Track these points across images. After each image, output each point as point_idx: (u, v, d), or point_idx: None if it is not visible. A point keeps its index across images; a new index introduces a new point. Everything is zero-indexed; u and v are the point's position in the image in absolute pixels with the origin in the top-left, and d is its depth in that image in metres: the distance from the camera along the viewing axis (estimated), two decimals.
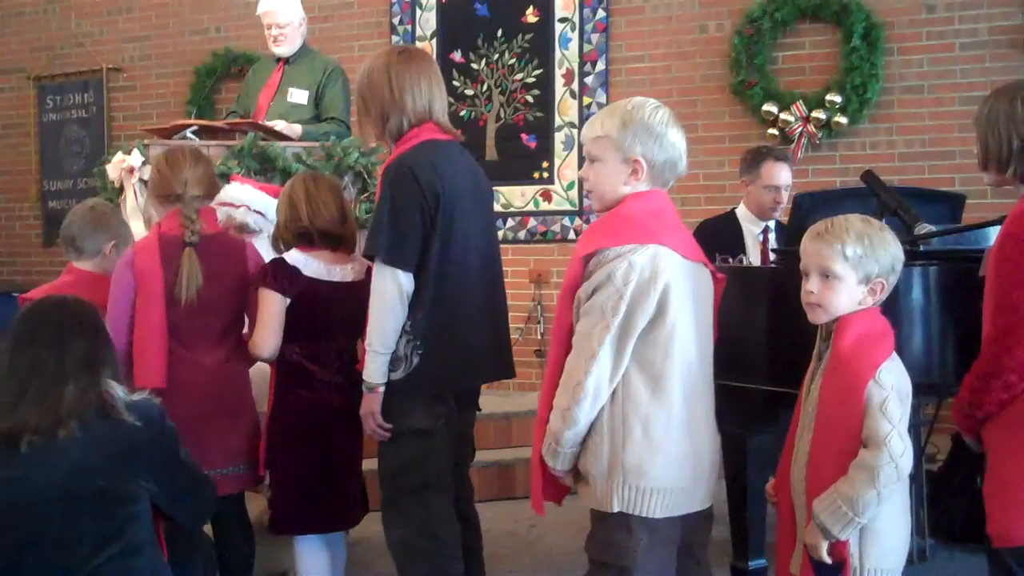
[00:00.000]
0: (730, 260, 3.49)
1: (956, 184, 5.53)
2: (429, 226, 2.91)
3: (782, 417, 3.06)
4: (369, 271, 3.13)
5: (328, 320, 3.17)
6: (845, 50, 5.95)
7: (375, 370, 2.93)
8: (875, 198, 3.21)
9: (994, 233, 2.80)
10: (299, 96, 5.01)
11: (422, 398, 2.95)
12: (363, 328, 2.98)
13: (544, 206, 6.72)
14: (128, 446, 2.35)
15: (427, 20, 7.02)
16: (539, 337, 6.42)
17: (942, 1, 5.85)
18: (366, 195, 4.35)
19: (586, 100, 6.62)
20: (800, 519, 2.41)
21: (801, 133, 6.05)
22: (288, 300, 3.12)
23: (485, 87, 6.88)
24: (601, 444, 2.37)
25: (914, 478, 3.50)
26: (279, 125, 4.64)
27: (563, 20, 6.69)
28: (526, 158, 6.75)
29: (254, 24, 6.55)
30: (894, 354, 2.36)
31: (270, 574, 3.76)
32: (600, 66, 6.61)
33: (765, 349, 3.12)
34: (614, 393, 2.36)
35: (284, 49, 5.05)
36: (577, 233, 6.52)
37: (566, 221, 6.64)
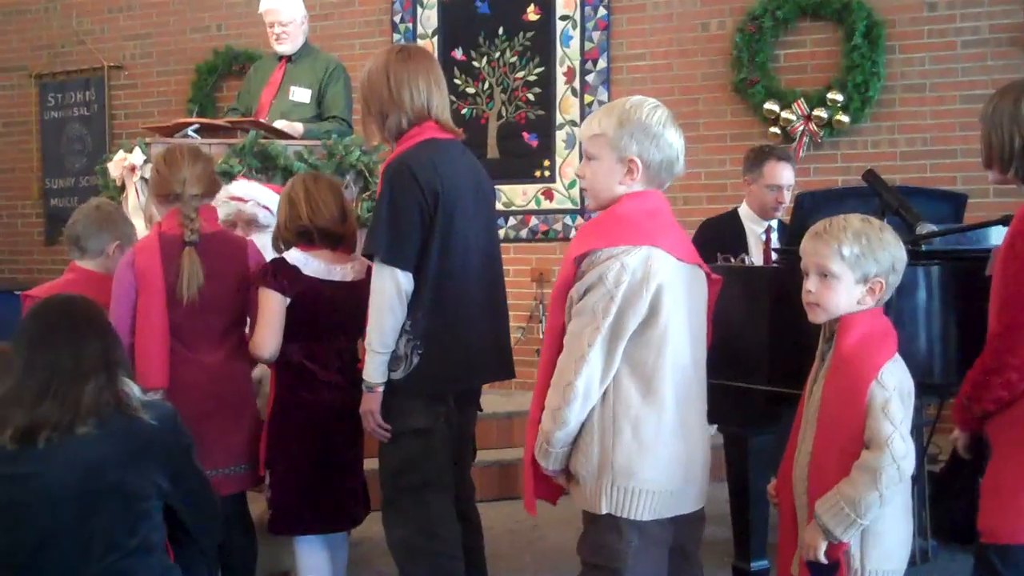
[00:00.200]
0: (731, 260, 3.48)
1: (958, 183, 5.53)
2: (428, 225, 2.91)
3: (784, 417, 3.07)
4: (370, 270, 3.13)
5: (329, 320, 3.17)
6: (846, 48, 5.95)
7: (374, 369, 2.93)
8: (877, 197, 3.20)
9: (996, 232, 2.80)
10: (301, 95, 5.00)
11: (422, 398, 2.95)
12: (364, 328, 2.98)
13: (545, 205, 6.71)
14: (143, 443, 2.37)
15: (428, 18, 7.01)
16: (541, 336, 6.40)
17: None
18: (368, 194, 4.35)
19: (587, 98, 6.61)
20: (802, 519, 2.41)
21: (803, 132, 6.04)
22: (288, 300, 3.12)
23: (486, 85, 6.87)
24: (591, 445, 2.37)
25: (916, 479, 3.49)
26: (280, 124, 4.64)
27: (564, 18, 6.68)
28: (527, 156, 6.74)
29: (255, 22, 6.55)
30: (897, 355, 2.36)
31: (272, 574, 3.77)
32: (601, 64, 6.60)
33: (767, 349, 3.12)
34: (605, 394, 2.36)
35: (286, 47, 5.05)
36: None
37: (567, 220, 6.64)
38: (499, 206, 6.61)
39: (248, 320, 3.23)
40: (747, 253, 4.25)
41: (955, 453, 4.28)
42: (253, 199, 3.88)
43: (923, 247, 3.07)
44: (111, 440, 2.32)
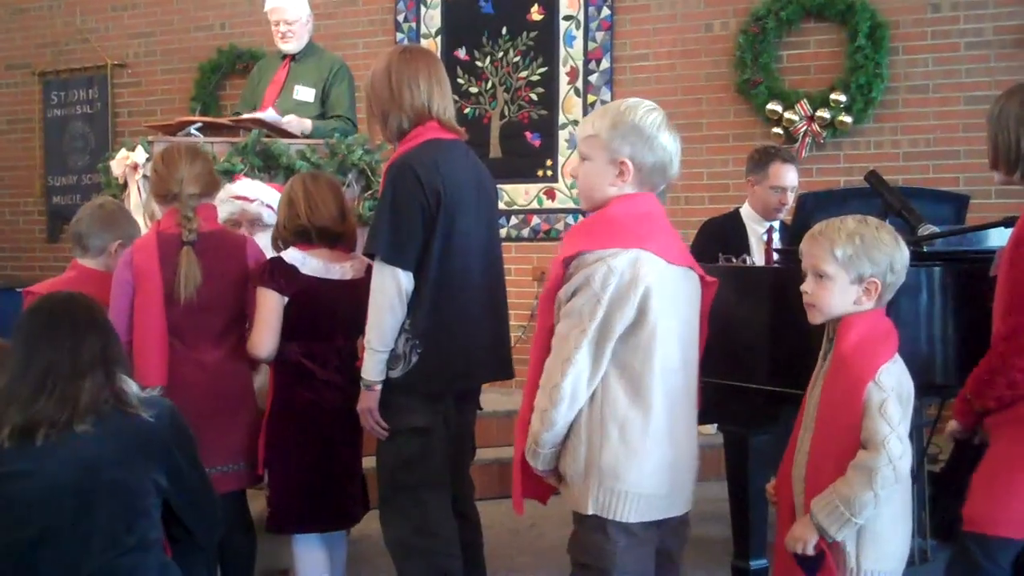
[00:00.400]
0: (733, 260, 3.48)
1: (961, 184, 5.53)
2: (430, 225, 2.92)
3: (783, 417, 3.07)
4: (369, 269, 3.13)
5: (327, 319, 3.17)
6: (850, 49, 5.95)
7: (373, 368, 2.94)
8: (879, 198, 3.20)
9: (997, 234, 2.80)
10: (305, 94, 5.00)
11: (420, 397, 2.96)
12: (363, 327, 2.98)
13: (548, 204, 6.72)
14: (142, 439, 2.37)
15: (432, 17, 7.02)
16: None
17: (947, 0, 5.84)
18: (370, 193, 4.35)
19: (590, 98, 6.61)
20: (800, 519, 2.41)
21: (805, 132, 6.04)
22: (286, 299, 3.12)
23: (489, 85, 6.87)
24: (579, 446, 2.38)
25: (916, 479, 3.49)
26: (290, 119, 4.64)
27: (568, 18, 6.68)
28: (530, 156, 6.74)
29: (259, 20, 6.56)
30: (896, 356, 2.36)
31: (271, 572, 3.77)
32: (604, 64, 6.60)
33: (767, 349, 3.12)
34: (593, 395, 2.35)
35: (292, 46, 5.05)
36: None
37: (569, 219, 6.64)
38: (501, 205, 6.61)
39: (248, 319, 3.23)
40: (749, 253, 4.25)
41: (955, 454, 4.29)
42: (258, 198, 3.88)
43: (925, 248, 3.07)
44: (109, 438, 2.32)
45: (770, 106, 6.09)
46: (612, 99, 6.47)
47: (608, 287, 2.29)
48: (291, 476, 3.16)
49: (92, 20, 8.05)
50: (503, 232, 6.50)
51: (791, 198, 4.46)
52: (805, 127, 6.04)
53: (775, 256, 4.20)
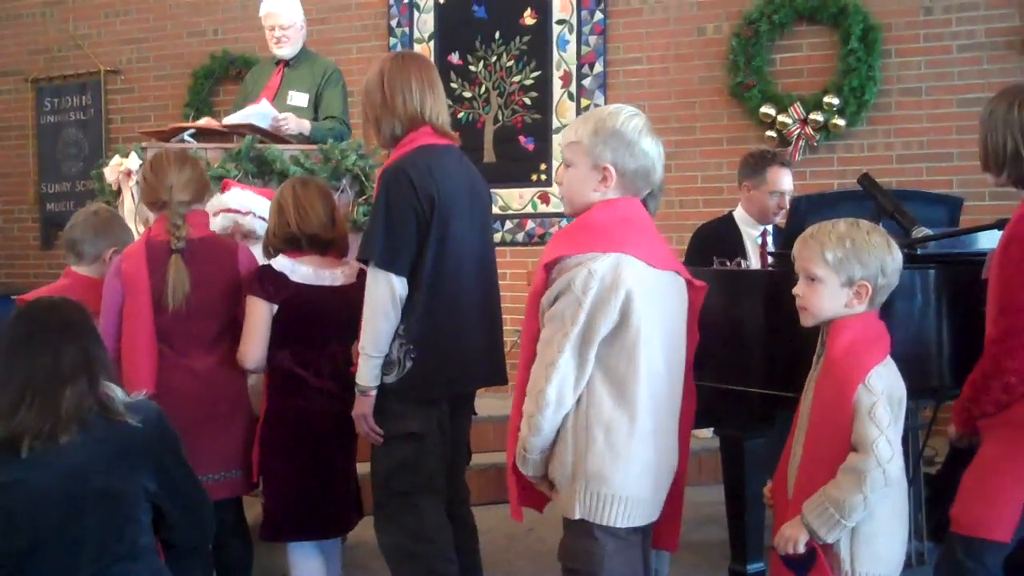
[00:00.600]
0: (727, 263, 3.49)
1: (954, 186, 5.54)
2: (424, 231, 2.92)
3: (779, 420, 3.07)
4: (360, 274, 3.14)
5: (319, 325, 3.16)
6: (843, 52, 5.96)
7: (367, 373, 2.93)
8: (872, 201, 3.21)
9: (991, 236, 2.80)
10: (299, 99, 5.01)
11: (415, 402, 2.96)
12: (356, 332, 2.98)
13: (542, 208, 6.72)
14: (128, 445, 2.34)
15: (425, 22, 7.02)
16: None
17: (939, 3, 5.86)
18: (364, 198, 4.35)
19: (584, 102, 6.61)
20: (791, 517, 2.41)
21: (799, 135, 6.06)
22: (275, 307, 3.11)
23: (483, 89, 6.88)
24: (565, 451, 2.38)
25: (912, 481, 3.49)
26: (288, 117, 4.64)
27: (561, 22, 6.69)
28: (524, 160, 6.75)
29: (252, 26, 6.56)
30: (888, 359, 2.36)
31: None
32: (598, 68, 6.60)
33: (762, 352, 3.12)
34: (579, 400, 2.36)
35: (286, 51, 5.06)
36: None
37: (564, 223, 6.63)
38: (495, 210, 6.62)
39: (240, 325, 3.22)
40: (744, 257, 4.26)
41: (951, 455, 4.29)
42: (251, 211, 3.86)
43: (919, 251, 3.08)
44: (95, 445, 2.30)
45: (763, 109, 6.10)
46: (606, 103, 6.49)
47: (589, 291, 2.30)
48: (285, 483, 3.15)
49: (85, 26, 8.04)
50: (497, 237, 6.50)
51: (788, 202, 4.46)
52: (798, 130, 6.05)
53: (769, 260, 4.21)
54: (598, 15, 6.60)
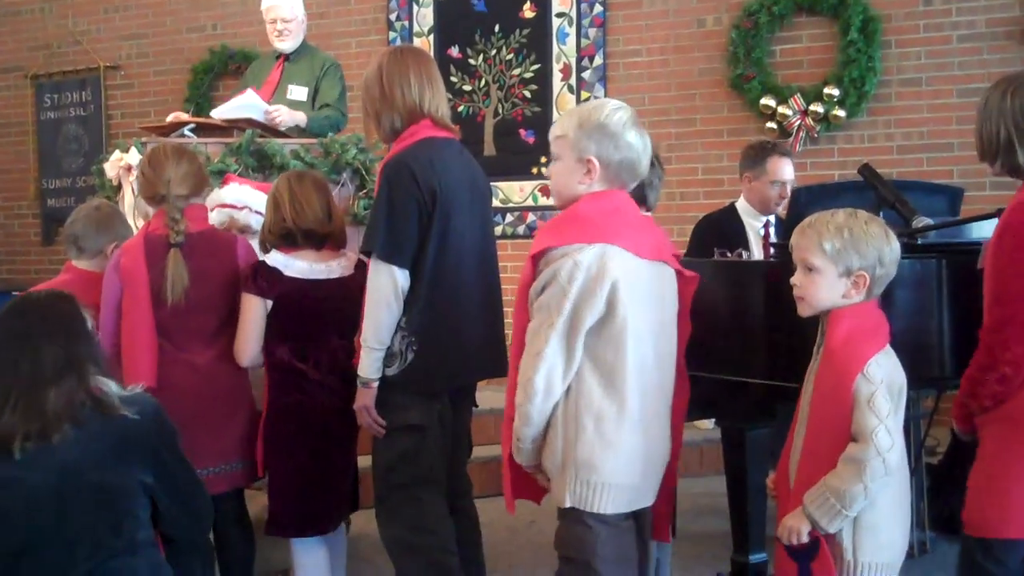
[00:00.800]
0: (728, 254, 3.49)
1: (954, 176, 5.55)
2: (426, 223, 2.92)
3: (780, 411, 3.07)
4: (358, 266, 3.14)
5: (316, 319, 3.16)
6: (842, 43, 5.96)
7: (369, 365, 2.94)
8: (873, 191, 3.21)
9: (991, 226, 2.80)
10: (299, 93, 5.01)
11: (416, 394, 2.96)
12: (356, 325, 2.98)
13: (543, 201, 6.71)
14: (124, 438, 2.32)
15: (424, 16, 7.01)
16: None
17: None
18: (364, 192, 4.35)
19: (584, 95, 6.61)
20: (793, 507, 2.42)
21: (799, 127, 6.05)
22: (269, 302, 3.11)
23: (483, 83, 6.87)
24: (556, 440, 2.41)
25: (914, 471, 3.50)
26: (280, 109, 4.63)
27: (560, 15, 6.68)
28: (524, 153, 6.75)
29: (251, 21, 6.56)
30: (887, 348, 2.36)
31: (271, 573, 3.77)
32: (598, 61, 6.60)
33: (763, 343, 3.12)
34: (569, 389, 2.39)
35: (288, 44, 5.06)
36: None
37: None
38: (496, 203, 6.63)
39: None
40: (747, 248, 4.26)
41: (953, 445, 4.29)
42: (247, 206, 3.85)
43: (919, 240, 3.08)
44: (90, 441, 2.27)
45: (764, 101, 6.10)
46: (606, 95, 6.49)
47: (575, 281, 2.33)
48: (289, 478, 3.15)
49: (84, 22, 8.04)
50: (498, 230, 6.50)
51: (790, 191, 4.46)
52: (799, 121, 6.05)
53: (771, 250, 4.21)
54: (597, 7, 6.59)
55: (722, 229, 4.46)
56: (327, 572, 3.25)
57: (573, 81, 6.65)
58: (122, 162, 4.31)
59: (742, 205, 4.60)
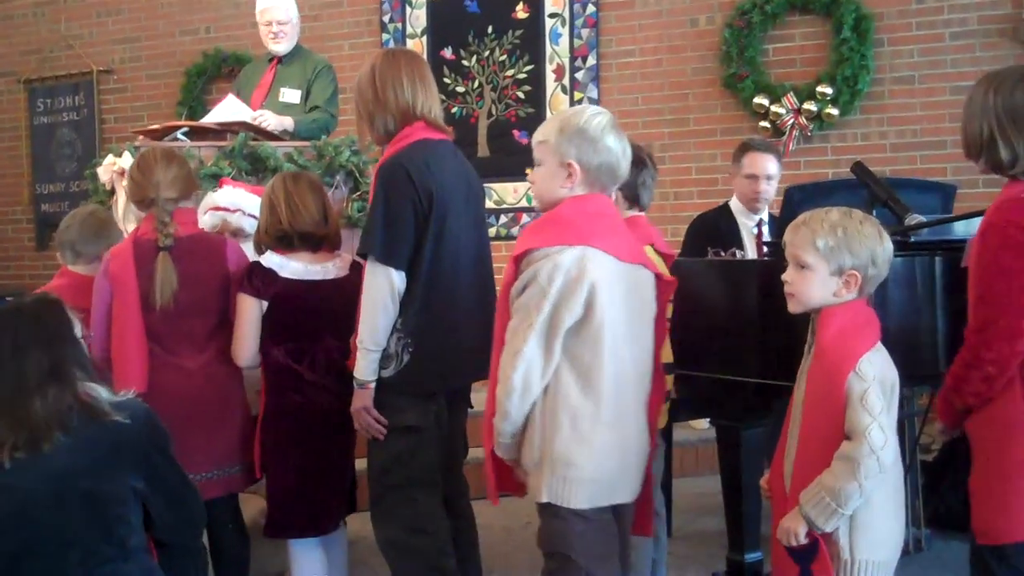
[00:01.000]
0: (722, 254, 3.49)
1: (948, 174, 5.55)
2: (422, 225, 2.93)
3: (775, 410, 3.07)
4: (353, 267, 3.14)
5: (312, 320, 3.15)
6: (835, 42, 5.97)
7: (365, 367, 2.94)
8: (865, 189, 3.21)
9: (977, 224, 2.80)
10: (291, 95, 5.02)
11: (412, 395, 2.96)
12: (351, 326, 2.98)
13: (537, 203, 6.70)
14: (115, 443, 2.30)
15: (417, 17, 7.02)
16: None
17: None
18: (358, 194, 4.35)
19: (577, 95, 6.62)
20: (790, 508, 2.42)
21: (792, 125, 6.06)
22: (265, 303, 3.11)
23: (476, 84, 6.87)
24: (534, 436, 2.46)
25: (909, 468, 3.51)
26: (271, 120, 4.63)
27: (553, 15, 6.68)
28: (518, 154, 6.74)
29: (244, 24, 6.56)
30: (879, 345, 2.36)
31: (267, 575, 3.77)
32: (591, 61, 6.60)
33: (757, 342, 3.13)
34: (547, 388, 2.43)
35: (283, 46, 5.07)
36: None
37: None
38: (491, 204, 6.63)
39: (231, 323, 3.21)
40: (741, 247, 4.26)
41: (948, 442, 4.30)
42: (239, 209, 3.85)
43: (912, 238, 3.08)
44: (81, 447, 2.26)
45: (757, 100, 6.11)
46: (599, 96, 6.51)
47: (554, 282, 2.37)
48: (287, 480, 3.15)
49: (77, 26, 8.03)
50: (492, 231, 6.50)
51: (768, 188, 4.45)
52: (792, 120, 6.05)
53: (765, 249, 4.22)
54: (590, 8, 6.60)
55: (716, 228, 4.47)
56: (324, 574, 3.25)
57: (566, 82, 6.65)
58: (115, 166, 4.31)
59: (735, 204, 4.61)
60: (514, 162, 6.74)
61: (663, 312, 2.63)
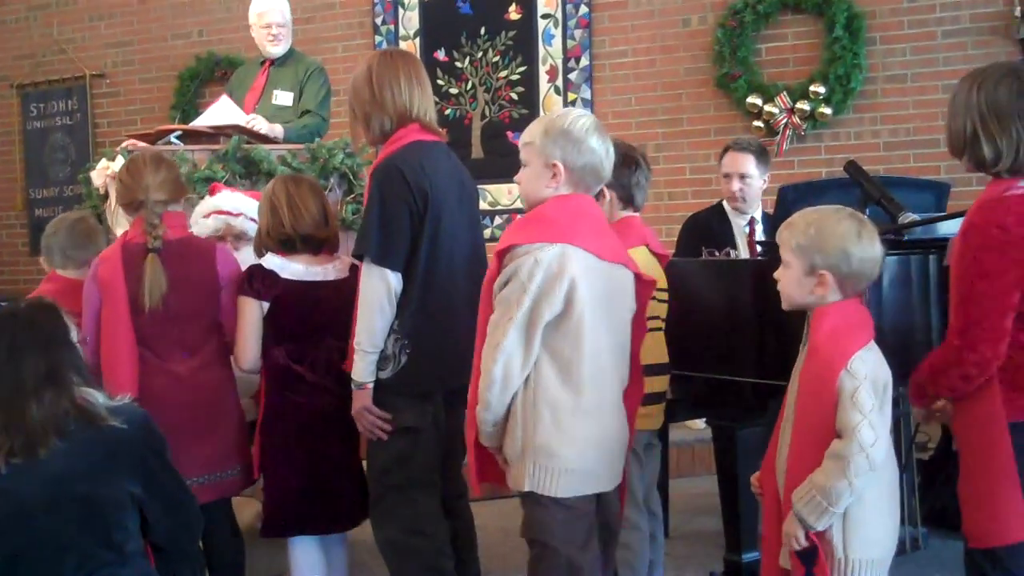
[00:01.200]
0: (716, 253, 3.50)
1: (941, 172, 5.55)
2: (418, 226, 2.93)
3: (771, 409, 3.07)
4: (352, 269, 3.14)
5: (312, 321, 3.16)
6: (828, 41, 5.98)
7: (363, 369, 2.95)
8: (859, 188, 3.22)
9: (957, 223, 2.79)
10: (284, 98, 5.02)
11: (410, 396, 2.97)
12: (350, 328, 2.98)
13: None
14: (112, 448, 2.30)
15: (410, 19, 7.01)
16: None
17: None
18: (352, 196, 4.35)
19: (571, 96, 6.62)
20: (785, 510, 2.41)
21: (786, 125, 6.07)
22: (266, 305, 3.11)
23: (469, 85, 6.87)
24: (515, 428, 2.52)
25: (905, 467, 3.51)
26: (259, 121, 4.63)
27: (546, 16, 6.69)
28: (512, 155, 6.64)
29: (236, 27, 6.55)
30: (872, 344, 2.36)
31: None
32: (584, 62, 6.61)
33: (751, 342, 3.13)
34: (528, 380, 2.49)
35: (280, 48, 5.09)
36: None
37: None
38: (485, 205, 6.63)
39: (223, 326, 3.20)
40: (734, 246, 4.27)
41: (944, 441, 4.31)
42: (242, 212, 3.84)
43: (906, 236, 3.09)
44: (78, 452, 2.25)
45: (750, 99, 6.12)
46: (592, 97, 6.52)
47: (535, 278, 2.43)
48: (285, 480, 3.15)
49: (69, 31, 8.02)
50: (487, 232, 6.50)
51: (743, 186, 4.44)
52: (785, 119, 6.06)
53: (758, 248, 4.22)
54: (583, 9, 6.60)
55: (709, 228, 4.48)
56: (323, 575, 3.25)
57: (560, 82, 6.65)
58: (109, 171, 4.30)
59: (728, 204, 4.62)
60: (508, 163, 6.69)
61: (643, 310, 2.69)
